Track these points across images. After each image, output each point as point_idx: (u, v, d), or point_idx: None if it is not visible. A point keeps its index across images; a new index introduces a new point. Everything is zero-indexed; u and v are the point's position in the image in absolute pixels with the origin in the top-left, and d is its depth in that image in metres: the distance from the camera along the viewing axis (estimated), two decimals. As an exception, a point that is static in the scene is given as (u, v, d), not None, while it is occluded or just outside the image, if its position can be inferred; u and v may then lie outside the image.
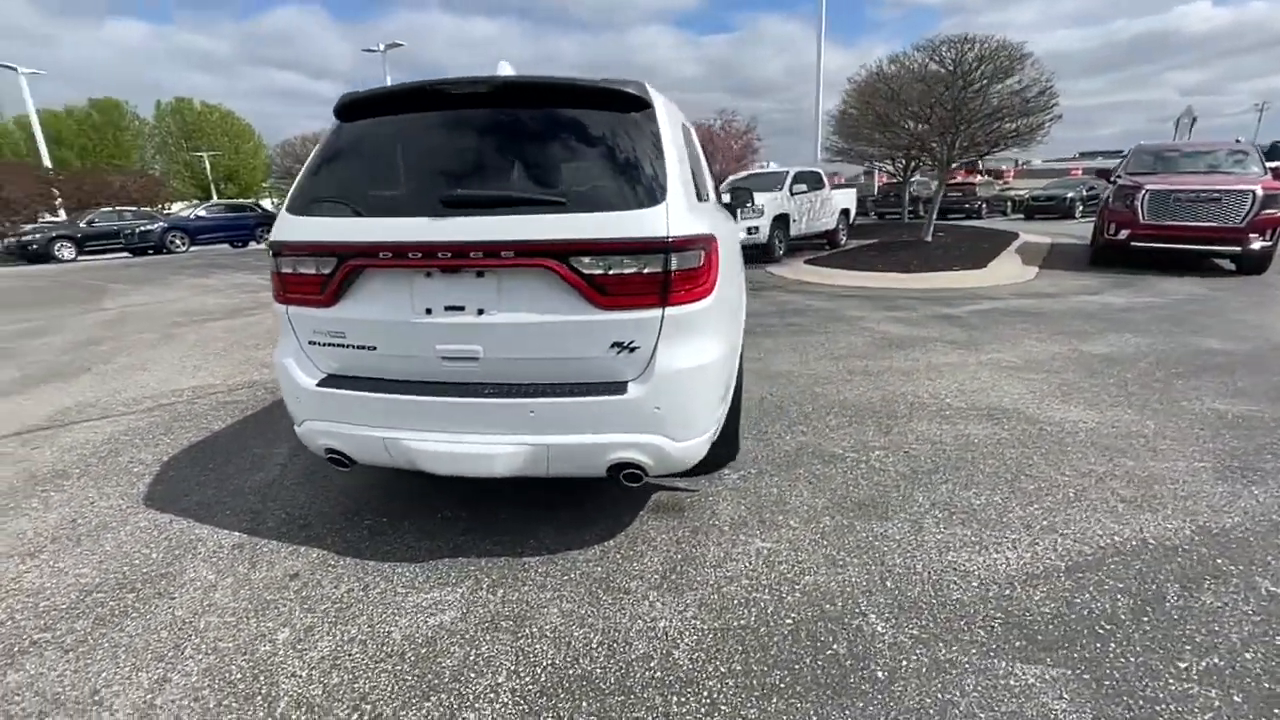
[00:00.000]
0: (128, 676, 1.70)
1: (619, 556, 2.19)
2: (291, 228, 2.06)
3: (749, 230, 10.18)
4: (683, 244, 1.88)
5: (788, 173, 11.45)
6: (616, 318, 1.89)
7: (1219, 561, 2.04)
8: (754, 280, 8.78)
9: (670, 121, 2.17)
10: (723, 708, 1.54)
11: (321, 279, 2.00)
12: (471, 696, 1.61)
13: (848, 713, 1.52)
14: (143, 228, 18.37)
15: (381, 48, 23.83)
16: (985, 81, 10.76)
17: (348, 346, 2.05)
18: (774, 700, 1.56)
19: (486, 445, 1.95)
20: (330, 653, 1.77)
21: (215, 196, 39.86)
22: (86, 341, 6.05)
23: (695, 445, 2.05)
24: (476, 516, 2.46)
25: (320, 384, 2.08)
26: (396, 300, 1.96)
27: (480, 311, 1.91)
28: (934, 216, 12.94)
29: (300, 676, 1.69)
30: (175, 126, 45.41)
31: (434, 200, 1.90)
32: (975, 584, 1.97)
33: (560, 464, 1.98)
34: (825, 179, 12.58)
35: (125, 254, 18.22)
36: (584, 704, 1.57)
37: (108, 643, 1.84)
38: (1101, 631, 1.75)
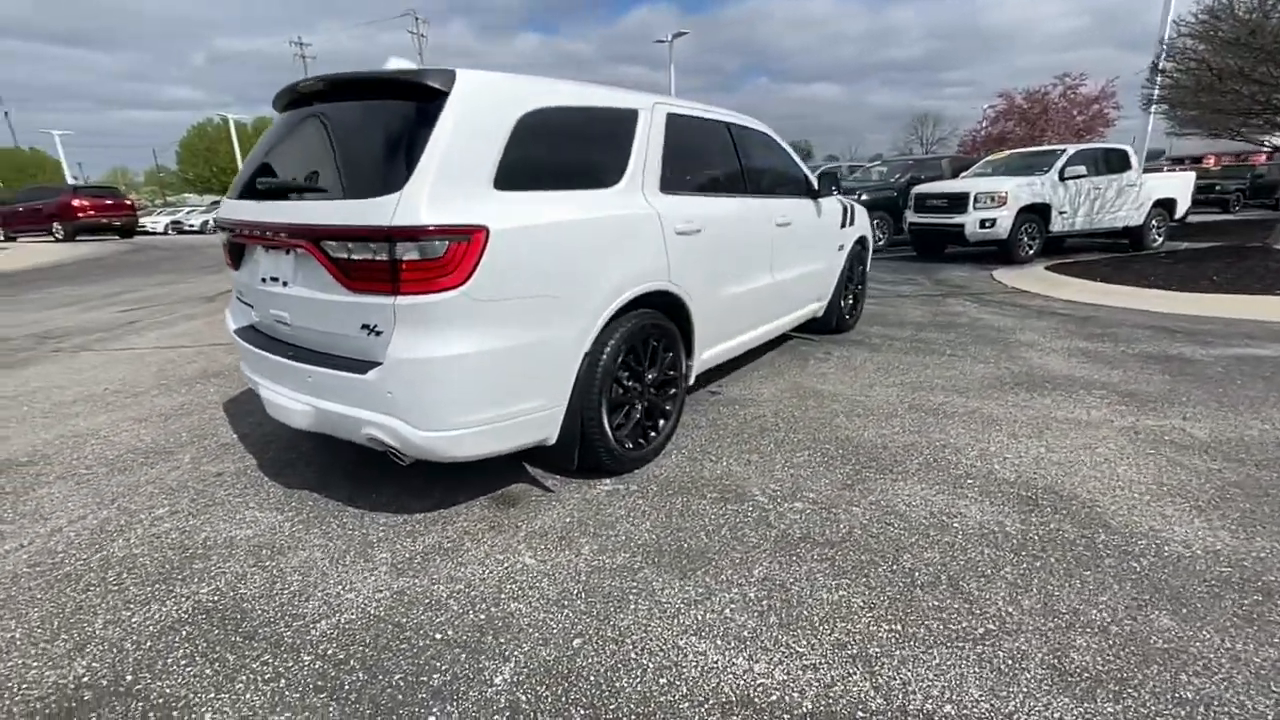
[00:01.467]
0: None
1: (412, 529, 2.28)
2: (220, 206, 2.63)
3: (981, 223, 8.39)
4: (412, 233, 1.85)
5: (1062, 151, 8.98)
6: (362, 301, 1.97)
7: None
8: (951, 284, 7.30)
9: (487, 108, 2.07)
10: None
11: (228, 246, 2.52)
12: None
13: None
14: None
15: (669, 38, 25.60)
16: None
17: (244, 303, 2.55)
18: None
19: (291, 401, 2.24)
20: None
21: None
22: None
23: (446, 439, 2.02)
24: (358, 468, 2.79)
25: (235, 331, 2.63)
26: (254, 268, 2.37)
27: (285, 284, 2.19)
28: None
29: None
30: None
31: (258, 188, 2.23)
32: None
33: (333, 428, 2.16)
34: (1133, 159, 9.47)
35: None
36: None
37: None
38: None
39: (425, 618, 1.81)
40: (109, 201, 18.70)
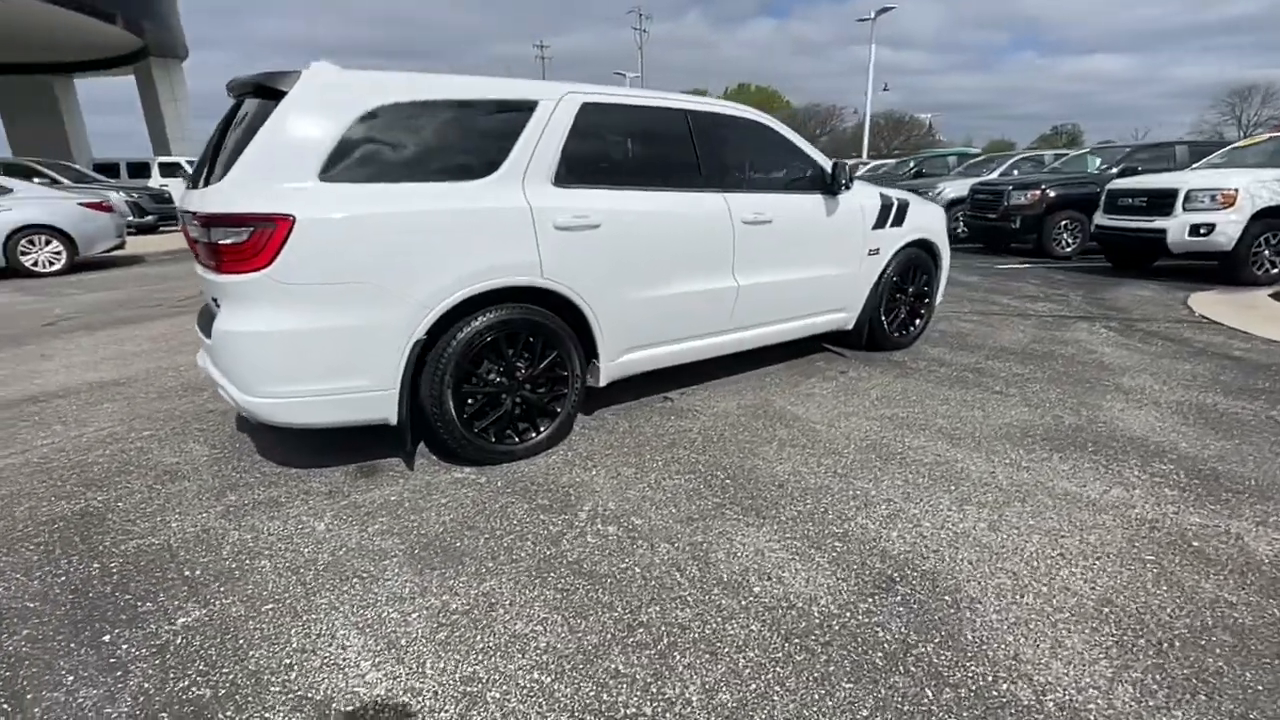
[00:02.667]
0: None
1: (271, 481, 2.58)
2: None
3: (1193, 230, 6.47)
4: (221, 220, 2.09)
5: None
6: (208, 278, 2.28)
7: None
8: (1109, 305, 5.78)
9: (320, 106, 2.21)
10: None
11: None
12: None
13: None
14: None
15: (872, 15, 23.47)
16: None
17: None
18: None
19: (204, 362, 2.66)
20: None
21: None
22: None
23: (268, 405, 2.25)
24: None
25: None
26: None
27: (201, 262, 2.60)
28: None
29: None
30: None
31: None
32: None
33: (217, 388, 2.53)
34: None
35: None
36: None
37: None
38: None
39: (196, 555, 2.07)
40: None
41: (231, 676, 1.57)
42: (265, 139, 2.16)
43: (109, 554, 2.08)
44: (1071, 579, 1.91)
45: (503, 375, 2.63)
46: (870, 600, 1.83)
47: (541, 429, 2.79)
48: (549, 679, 1.55)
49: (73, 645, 1.67)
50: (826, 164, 3.57)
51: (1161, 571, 1.94)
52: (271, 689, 1.52)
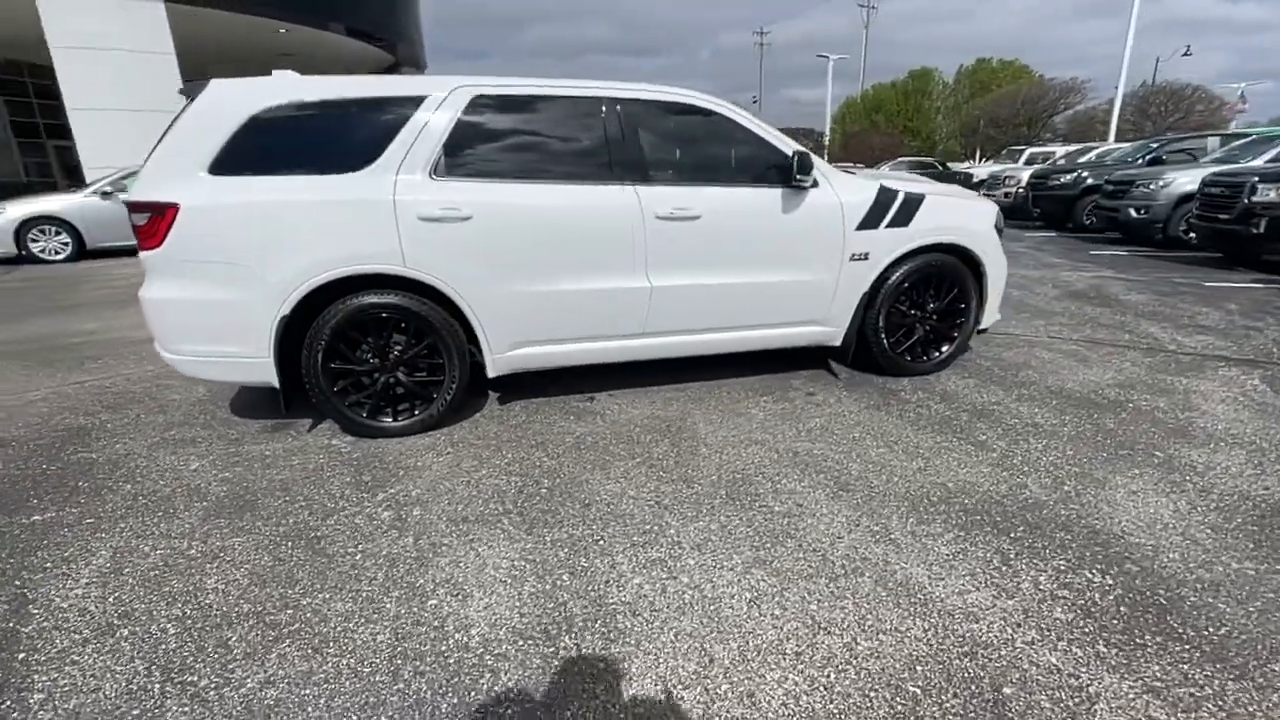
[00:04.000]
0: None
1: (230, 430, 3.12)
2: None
3: None
4: (131, 206, 2.57)
5: None
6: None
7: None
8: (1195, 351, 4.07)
9: (214, 110, 2.58)
10: (26, 478, 2.63)
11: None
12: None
13: None
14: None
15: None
16: None
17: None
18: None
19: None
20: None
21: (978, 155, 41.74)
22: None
23: (175, 360, 2.74)
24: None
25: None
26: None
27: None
28: None
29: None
30: (969, 88, 48.76)
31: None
32: None
33: None
34: None
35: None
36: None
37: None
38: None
39: (102, 470, 2.62)
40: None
41: (15, 576, 2.00)
42: (170, 140, 2.60)
43: (64, 459, 2.74)
44: (766, 693, 1.49)
45: (376, 357, 2.82)
46: (521, 646, 1.64)
47: (417, 412, 2.93)
48: (175, 633, 1.70)
49: (-35, 519, 2.27)
50: (789, 153, 3.08)
51: None
52: (45, 569, 1.92)
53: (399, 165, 2.70)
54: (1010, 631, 1.65)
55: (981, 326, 3.65)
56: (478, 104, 2.80)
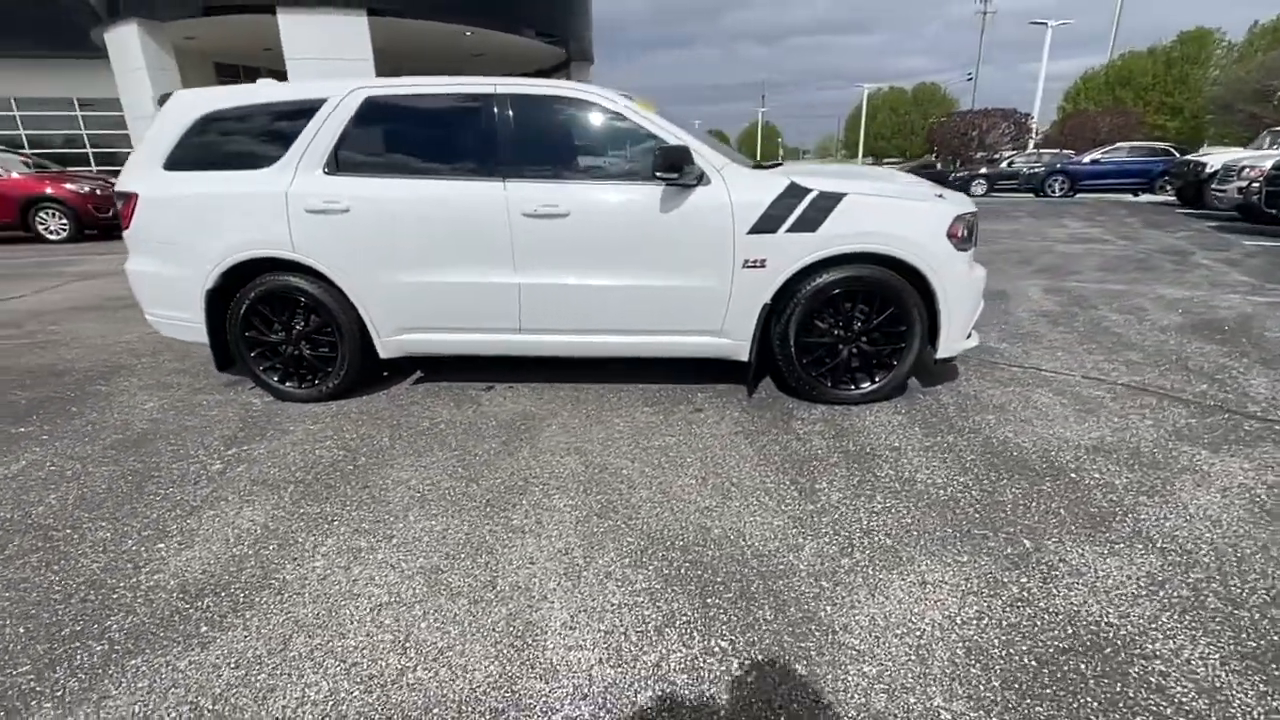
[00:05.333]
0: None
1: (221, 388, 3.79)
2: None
3: None
4: (115, 195, 3.23)
5: None
6: (133, 233, 3.50)
7: None
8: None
9: (171, 115, 3.11)
10: (56, 400, 3.48)
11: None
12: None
13: None
14: (1030, 169, 19.43)
15: None
16: None
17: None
18: (38, 408, 3.36)
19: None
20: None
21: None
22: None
23: (150, 321, 3.41)
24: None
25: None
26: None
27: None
28: None
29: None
30: (1266, 47, 37.76)
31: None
32: None
33: None
34: None
35: (1028, 194, 19.65)
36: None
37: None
38: None
39: (84, 404, 3.38)
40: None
41: (-36, 461, 2.71)
42: (144, 141, 3.21)
43: (87, 389, 3.58)
44: (290, 693, 1.52)
45: (283, 330, 3.22)
46: (179, 594, 1.85)
47: (317, 382, 3.29)
48: (-16, 528, 2.20)
49: (-14, 424, 3.10)
50: (678, 147, 2.82)
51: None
52: (-45, 473, 2.60)
53: (298, 162, 3.03)
54: (563, 707, 1.45)
55: (940, 355, 3.02)
56: (369, 104, 3.01)
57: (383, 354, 3.24)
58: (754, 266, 2.89)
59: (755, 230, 2.85)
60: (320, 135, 3.02)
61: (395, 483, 2.48)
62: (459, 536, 2.11)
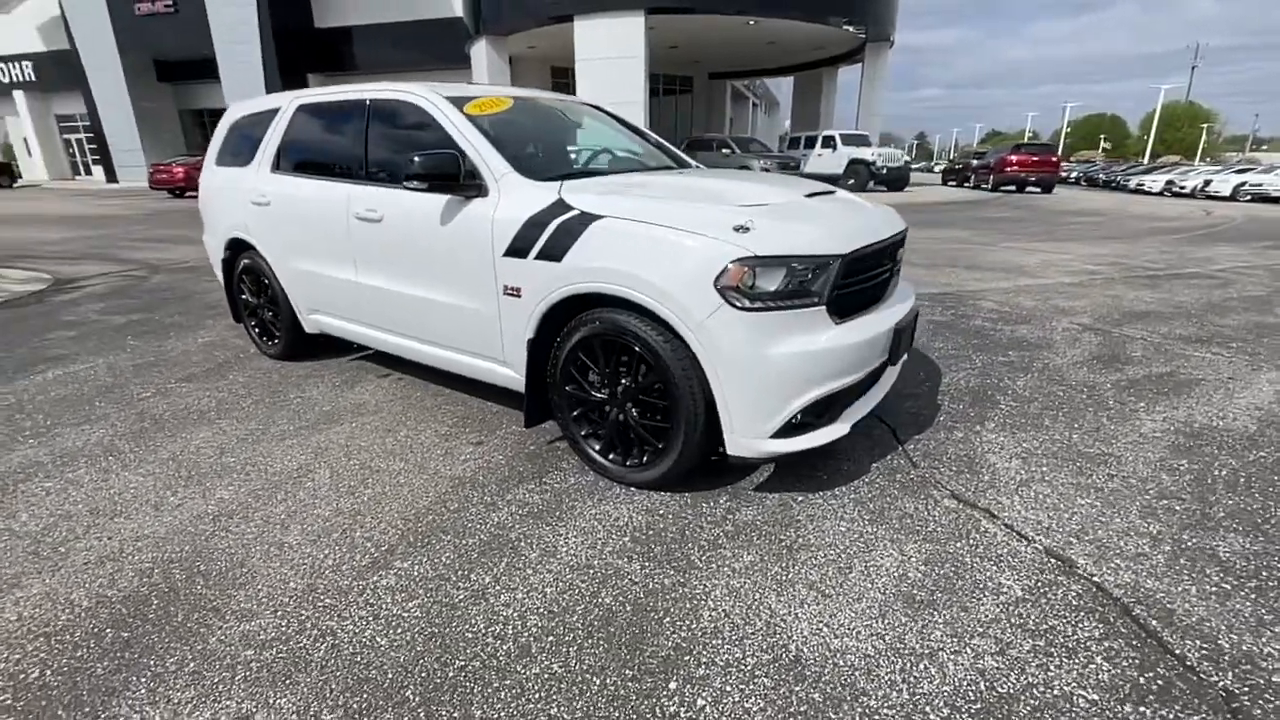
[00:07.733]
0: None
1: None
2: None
3: None
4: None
5: None
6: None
7: None
8: None
9: (224, 123, 4.02)
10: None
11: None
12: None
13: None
14: None
15: None
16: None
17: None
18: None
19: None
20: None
21: None
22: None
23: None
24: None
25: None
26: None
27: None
28: None
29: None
30: None
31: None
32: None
33: None
34: None
35: None
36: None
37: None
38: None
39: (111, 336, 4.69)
40: (1035, 159, 20.16)
41: None
42: (212, 141, 4.23)
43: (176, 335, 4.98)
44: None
45: (253, 298, 3.97)
46: None
47: (273, 345, 3.96)
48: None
49: None
50: (470, 152, 2.54)
51: None
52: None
53: (259, 163, 3.66)
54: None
55: (732, 451, 2.13)
56: (298, 112, 3.45)
57: (306, 329, 3.73)
58: (512, 294, 2.46)
59: (509, 253, 2.41)
60: (269, 139, 3.59)
61: (205, 440, 2.84)
62: (156, 485, 2.41)
